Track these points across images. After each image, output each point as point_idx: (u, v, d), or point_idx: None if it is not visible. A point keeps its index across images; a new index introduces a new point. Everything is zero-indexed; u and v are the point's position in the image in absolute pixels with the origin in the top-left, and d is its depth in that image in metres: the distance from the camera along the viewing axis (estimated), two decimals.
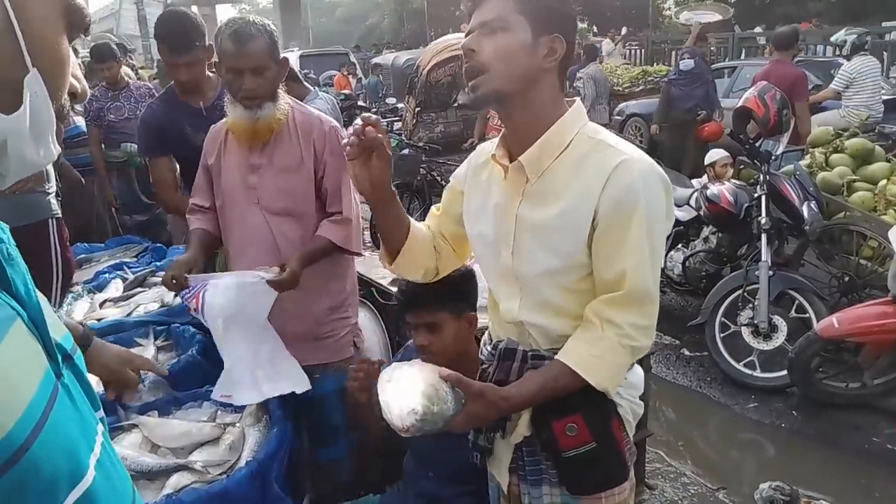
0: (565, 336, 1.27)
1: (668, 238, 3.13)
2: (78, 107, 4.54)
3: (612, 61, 13.00)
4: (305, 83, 3.67)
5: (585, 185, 1.21)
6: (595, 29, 17.31)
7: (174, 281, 1.83)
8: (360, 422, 1.85)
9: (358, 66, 14.61)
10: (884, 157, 4.33)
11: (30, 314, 0.61)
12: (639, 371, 1.42)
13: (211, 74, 2.55)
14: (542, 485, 1.36)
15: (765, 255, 3.57)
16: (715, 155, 4.74)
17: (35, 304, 0.62)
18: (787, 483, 2.52)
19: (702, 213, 4.14)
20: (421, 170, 6.50)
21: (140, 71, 5.19)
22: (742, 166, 4.61)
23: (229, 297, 1.83)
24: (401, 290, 1.66)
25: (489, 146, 1.39)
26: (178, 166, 2.59)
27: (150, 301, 2.55)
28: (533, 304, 1.31)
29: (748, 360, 3.62)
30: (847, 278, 3.85)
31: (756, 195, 3.83)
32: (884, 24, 12.55)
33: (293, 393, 1.88)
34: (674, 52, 12.92)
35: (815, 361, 3.29)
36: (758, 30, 14.91)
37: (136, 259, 3.09)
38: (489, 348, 1.41)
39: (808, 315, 3.51)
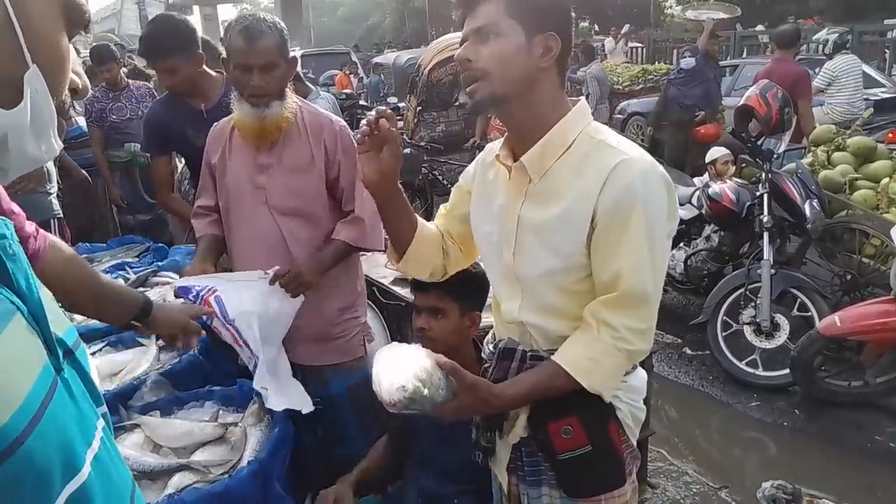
0: (565, 337, 1.26)
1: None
2: (79, 107, 4.55)
3: (614, 59, 13.01)
4: (307, 82, 3.67)
5: (585, 185, 1.20)
6: (596, 27, 17.32)
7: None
8: None
9: (359, 66, 14.59)
10: (886, 155, 4.32)
11: (30, 309, 0.61)
12: (641, 374, 1.39)
13: (214, 74, 2.55)
14: (540, 486, 1.36)
15: (767, 253, 3.57)
16: (716, 153, 4.73)
17: (36, 299, 0.62)
18: (790, 482, 2.51)
19: (703, 211, 4.13)
20: (423, 169, 6.49)
21: (147, 71, 5.17)
22: (744, 165, 4.60)
23: (255, 298, 1.82)
24: None
25: (497, 146, 1.38)
26: (178, 166, 2.59)
27: None
28: (533, 304, 1.30)
29: (750, 358, 3.62)
30: (849, 277, 3.84)
31: (758, 193, 3.82)
32: (885, 21, 12.54)
33: None
34: (675, 51, 12.92)
35: (817, 360, 3.29)
36: (759, 28, 14.92)
37: (138, 259, 3.09)
38: (491, 347, 1.41)
39: (810, 313, 3.50)
